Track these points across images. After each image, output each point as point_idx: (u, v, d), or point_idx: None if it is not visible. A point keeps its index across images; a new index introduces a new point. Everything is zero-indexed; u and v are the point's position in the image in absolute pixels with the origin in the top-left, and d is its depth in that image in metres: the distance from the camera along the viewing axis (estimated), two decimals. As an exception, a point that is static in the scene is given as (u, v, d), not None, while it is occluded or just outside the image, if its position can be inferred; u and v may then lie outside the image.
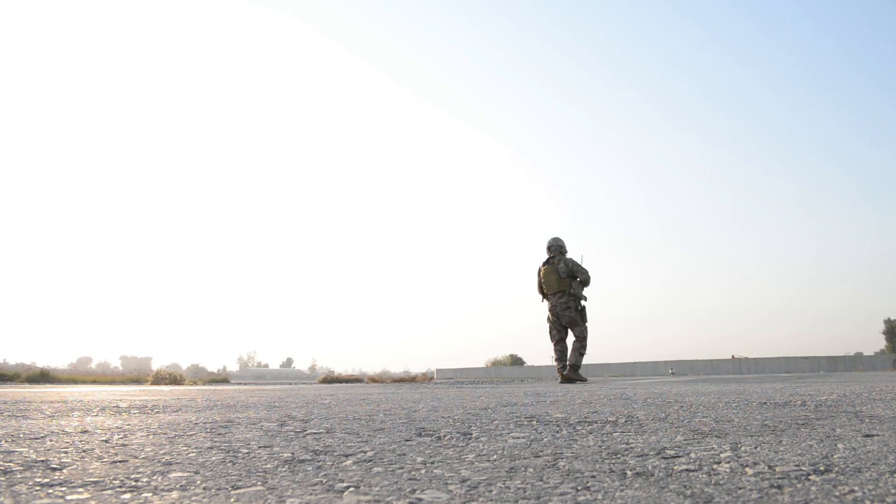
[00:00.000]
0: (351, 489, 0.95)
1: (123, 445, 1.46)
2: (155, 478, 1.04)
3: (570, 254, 8.57)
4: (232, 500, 0.88)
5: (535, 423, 1.93)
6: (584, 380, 8.18)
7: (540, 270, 8.55)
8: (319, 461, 1.21)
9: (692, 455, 1.23)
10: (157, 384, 11.19)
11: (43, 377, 13.79)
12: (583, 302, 8.44)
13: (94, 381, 13.49)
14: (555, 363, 8.35)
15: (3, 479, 1.03)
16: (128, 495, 0.91)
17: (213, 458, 1.24)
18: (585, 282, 8.42)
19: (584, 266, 8.40)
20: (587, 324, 8.35)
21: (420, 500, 0.87)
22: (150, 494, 0.92)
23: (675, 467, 1.10)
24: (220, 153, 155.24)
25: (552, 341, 8.40)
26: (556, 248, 8.48)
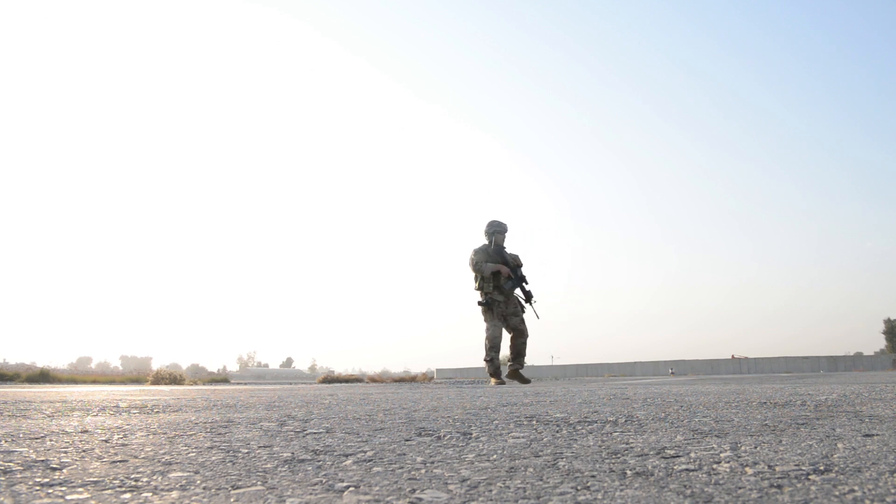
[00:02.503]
0: (351, 489, 0.95)
1: (123, 445, 1.46)
2: (155, 478, 1.04)
3: (510, 243, 7.92)
4: (232, 499, 0.88)
5: (534, 422, 1.93)
6: (503, 382, 7.46)
7: None
8: (319, 461, 1.21)
9: (692, 455, 1.23)
10: (157, 384, 11.18)
11: (43, 377, 13.78)
12: (495, 296, 7.63)
13: (94, 381, 13.48)
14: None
15: (3, 478, 1.03)
16: (128, 495, 0.91)
17: (213, 458, 1.24)
18: (477, 274, 7.64)
19: (476, 257, 7.69)
20: (492, 322, 7.57)
21: (420, 499, 0.87)
22: (150, 494, 0.91)
23: (675, 467, 1.10)
24: (220, 153, 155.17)
25: None
26: (486, 234, 7.84)
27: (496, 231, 7.85)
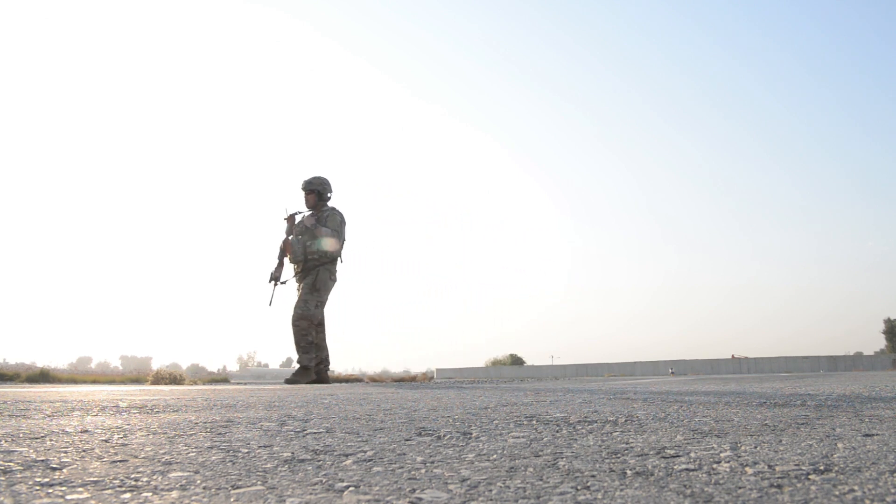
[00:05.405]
0: (351, 489, 0.95)
1: (123, 445, 1.46)
2: (155, 477, 1.04)
3: (338, 199, 7.70)
4: (232, 499, 0.88)
5: (534, 422, 1.93)
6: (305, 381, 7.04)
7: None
8: (319, 461, 1.21)
9: (692, 454, 1.23)
10: (157, 384, 11.16)
11: (43, 377, 13.75)
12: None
13: (94, 381, 13.45)
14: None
15: (3, 478, 1.03)
16: (128, 495, 0.91)
17: (213, 458, 1.24)
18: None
19: None
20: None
21: (420, 499, 0.87)
22: (150, 494, 0.91)
23: (675, 467, 1.10)
24: (220, 153, 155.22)
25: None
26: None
27: None
